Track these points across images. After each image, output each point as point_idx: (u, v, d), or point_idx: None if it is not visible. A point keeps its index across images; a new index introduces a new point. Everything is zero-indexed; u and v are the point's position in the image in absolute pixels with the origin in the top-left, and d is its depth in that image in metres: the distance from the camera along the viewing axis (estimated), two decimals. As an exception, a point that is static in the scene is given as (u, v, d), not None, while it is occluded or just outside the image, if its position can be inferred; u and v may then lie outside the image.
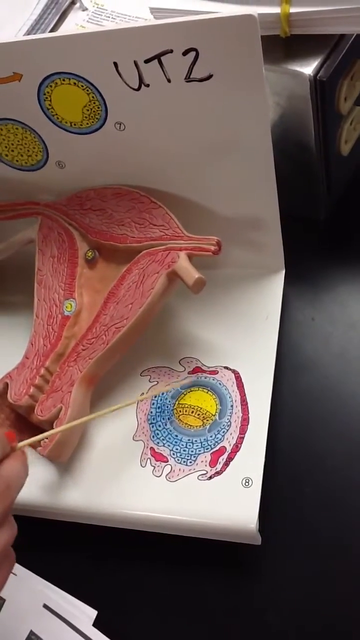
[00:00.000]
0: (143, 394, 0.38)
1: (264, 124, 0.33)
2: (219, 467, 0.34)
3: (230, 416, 0.36)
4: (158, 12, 0.37)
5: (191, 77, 0.31)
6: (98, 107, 0.34)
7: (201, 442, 0.36)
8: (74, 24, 0.53)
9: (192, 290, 0.35)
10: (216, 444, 0.35)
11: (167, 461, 0.35)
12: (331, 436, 0.37)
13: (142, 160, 0.36)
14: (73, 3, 0.54)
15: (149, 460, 0.36)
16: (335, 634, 0.32)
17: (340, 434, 0.37)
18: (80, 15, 0.54)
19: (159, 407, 0.38)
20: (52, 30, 0.52)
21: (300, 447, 0.37)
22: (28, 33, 0.52)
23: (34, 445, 0.37)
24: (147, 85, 0.32)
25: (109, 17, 0.53)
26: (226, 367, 0.38)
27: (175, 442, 0.36)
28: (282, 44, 0.36)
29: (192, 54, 0.30)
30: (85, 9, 0.53)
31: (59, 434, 0.34)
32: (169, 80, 0.32)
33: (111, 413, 0.38)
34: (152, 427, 0.37)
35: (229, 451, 0.35)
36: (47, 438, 0.34)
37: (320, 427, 0.38)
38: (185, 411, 0.37)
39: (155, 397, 0.38)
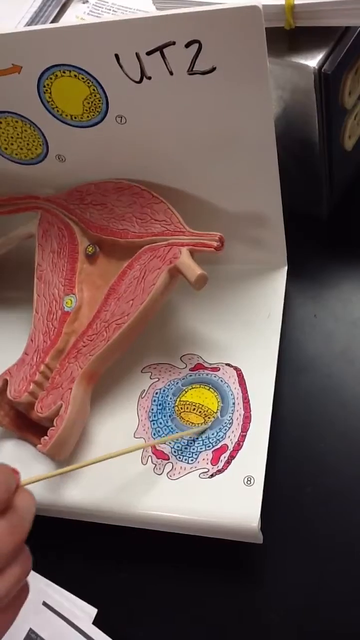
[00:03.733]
0: (144, 390, 0.38)
1: (267, 118, 0.32)
2: (220, 465, 0.34)
3: (232, 414, 0.36)
4: (160, 3, 0.37)
5: (194, 69, 0.31)
6: (99, 100, 0.33)
7: (203, 440, 0.35)
8: (74, 16, 0.52)
9: (194, 287, 0.34)
10: (218, 441, 0.35)
11: (169, 459, 0.35)
12: (333, 434, 0.37)
13: (143, 154, 0.36)
14: (73, -5, 0.53)
15: (150, 458, 0.35)
16: (336, 635, 0.32)
17: (342, 432, 0.37)
18: (81, 7, 0.53)
19: (160, 404, 0.37)
20: (51, 23, 0.52)
21: (302, 445, 0.37)
22: (28, 25, 0.52)
23: (34, 443, 0.36)
24: (149, 78, 0.32)
25: (109, 9, 0.52)
26: (228, 364, 0.38)
27: (177, 439, 0.36)
28: (286, 37, 0.35)
29: (195, 46, 0.30)
30: (85, 1, 0.53)
31: (59, 431, 0.34)
32: (171, 73, 0.31)
33: (111, 408, 0.38)
34: (153, 424, 0.37)
35: (231, 449, 0.34)
36: (47, 434, 0.34)
37: (321, 425, 0.37)
38: (187, 408, 0.37)
39: (156, 393, 0.38)
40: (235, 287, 0.41)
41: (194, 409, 0.37)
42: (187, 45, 0.30)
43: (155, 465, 0.35)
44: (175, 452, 0.35)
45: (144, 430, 0.36)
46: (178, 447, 0.35)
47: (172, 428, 0.36)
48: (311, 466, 0.36)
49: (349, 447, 0.36)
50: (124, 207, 0.38)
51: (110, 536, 0.35)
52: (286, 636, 0.32)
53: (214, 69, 0.30)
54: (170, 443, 0.35)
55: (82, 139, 0.36)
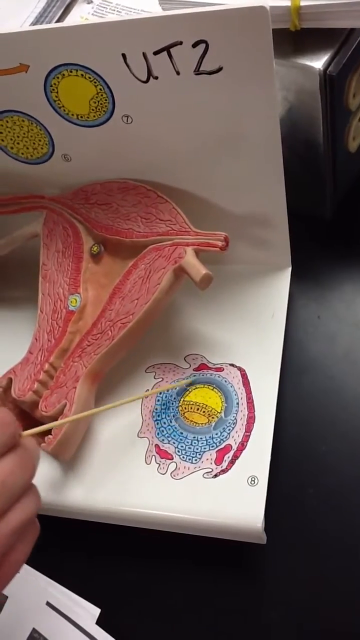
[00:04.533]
0: (148, 390, 0.38)
1: (273, 119, 0.32)
2: (224, 465, 0.34)
3: (236, 414, 0.36)
4: (167, 3, 0.37)
5: (201, 69, 0.31)
6: (105, 100, 0.34)
7: (206, 440, 0.35)
8: (79, 16, 0.53)
9: (199, 287, 0.34)
10: (222, 441, 0.35)
11: (172, 459, 0.35)
12: (335, 435, 0.37)
13: (149, 154, 0.36)
14: (78, -5, 0.53)
15: (154, 458, 0.35)
16: (337, 634, 0.32)
17: (343, 433, 0.37)
18: (85, 8, 0.53)
19: (164, 404, 0.37)
20: (56, 23, 0.52)
21: (303, 446, 0.37)
22: (32, 25, 0.52)
23: (37, 442, 0.36)
24: (156, 78, 0.32)
25: (114, 10, 0.53)
26: (232, 365, 0.38)
27: (181, 439, 0.36)
28: (292, 38, 0.35)
29: (202, 46, 0.30)
30: (90, 2, 0.53)
31: (63, 430, 0.34)
32: (177, 73, 0.31)
33: (115, 409, 0.37)
34: (157, 424, 0.37)
35: (235, 449, 0.34)
36: (51, 432, 0.34)
37: (324, 427, 0.37)
38: (191, 408, 0.37)
39: (161, 393, 0.38)
40: (239, 288, 0.41)
41: (198, 409, 0.37)
42: (194, 45, 0.30)
43: (159, 464, 0.35)
44: (179, 451, 0.35)
45: (148, 429, 0.36)
46: (182, 446, 0.35)
47: (176, 428, 0.36)
48: (312, 467, 0.36)
49: (351, 448, 0.36)
50: (129, 206, 0.38)
51: (114, 536, 0.35)
52: (287, 635, 0.32)
53: (220, 69, 0.30)
54: (174, 443, 0.35)
55: (88, 138, 0.36)
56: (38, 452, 0.26)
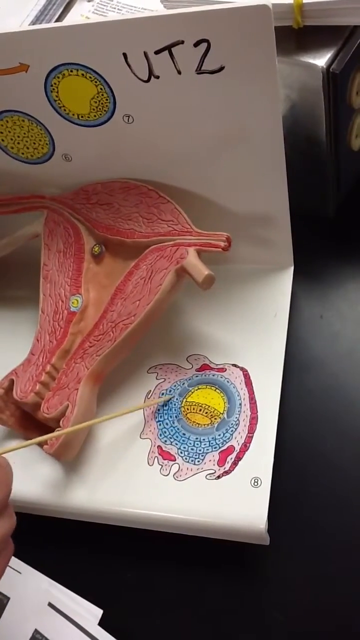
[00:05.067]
0: (150, 391, 0.38)
1: (275, 118, 0.32)
2: (227, 466, 0.34)
3: (239, 415, 0.36)
4: (169, 2, 0.37)
5: (202, 69, 0.30)
6: (106, 99, 0.33)
7: (209, 441, 0.35)
8: (79, 14, 0.52)
9: (202, 287, 0.34)
10: (224, 442, 0.35)
11: (175, 460, 0.35)
12: (338, 435, 0.37)
13: (150, 154, 0.36)
14: (78, -7, 0.53)
15: (156, 459, 0.35)
16: (339, 634, 0.32)
17: (346, 434, 0.37)
18: (86, 6, 0.53)
19: (166, 405, 0.37)
20: (56, 21, 0.52)
21: (306, 447, 0.37)
22: (32, 24, 0.52)
23: (40, 444, 0.36)
24: (157, 77, 0.31)
25: (114, 8, 0.52)
26: (234, 365, 0.38)
27: (183, 440, 0.35)
28: (294, 35, 0.35)
29: (204, 45, 0.29)
30: (90, 0, 0.53)
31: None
32: (179, 72, 0.31)
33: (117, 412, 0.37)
34: (160, 425, 0.36)
35: (238, 450, 0.34)
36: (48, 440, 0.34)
37: (326, 427, 0.37)
38: (193, 409, 0.37)
39: (162, 394, 0.38)
40: (241, 287, 0.41)
41: (200, 410, 0.36)
42: (196, 45, 0.29)
43: (162, 466, 0.35)
44: (181, 452, 0.35)
45: (150, 430, 0.36)
46: (184, 447, 0.35)
47: (178, 429, 0.36)
48: (315, 467, 0.36)
49: (354, 447, 0.36)
50: (131, 206, 0.37)
51: (116, 537, 0.35)
52: (289, 636, 0.32)
53: (222, 68, 0.30)
54: (176, 444, 0.35)
55: (89, 138, 0.35)
56: (11, 472, 0.26)
